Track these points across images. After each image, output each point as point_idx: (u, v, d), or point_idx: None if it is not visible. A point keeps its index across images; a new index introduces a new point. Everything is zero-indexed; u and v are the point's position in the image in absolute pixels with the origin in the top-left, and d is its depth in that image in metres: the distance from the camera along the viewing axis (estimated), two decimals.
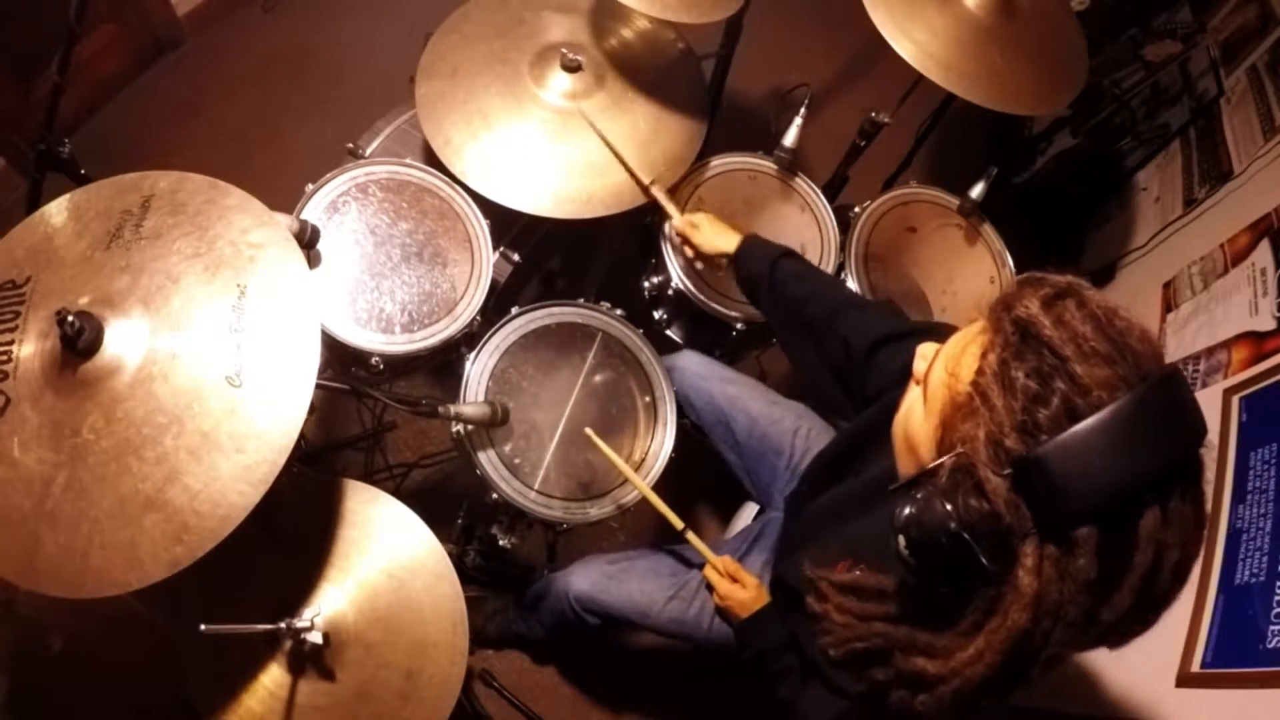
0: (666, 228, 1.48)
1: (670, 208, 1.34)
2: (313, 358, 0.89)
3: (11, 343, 0.90)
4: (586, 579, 1.29)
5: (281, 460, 0.84)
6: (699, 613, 1.23)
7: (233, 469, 0.83)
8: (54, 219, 0.97)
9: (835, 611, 0.78)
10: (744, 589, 1.14)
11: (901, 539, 0.63)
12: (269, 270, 0.92)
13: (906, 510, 0.63)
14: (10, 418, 0.87)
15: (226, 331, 0.88)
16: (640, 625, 1.26)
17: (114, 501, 0.83)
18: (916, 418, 0.69)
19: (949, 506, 0.59)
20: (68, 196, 0.99)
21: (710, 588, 1.19)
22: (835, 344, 1.10)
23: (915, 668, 0.66)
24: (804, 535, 1.06)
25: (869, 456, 1.00)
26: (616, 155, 1.37)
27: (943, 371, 0.66)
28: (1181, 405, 0.58)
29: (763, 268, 1.18)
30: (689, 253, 1.31)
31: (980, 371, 0.60)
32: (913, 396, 0.72)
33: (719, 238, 1.25)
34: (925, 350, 0.73)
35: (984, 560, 0.58)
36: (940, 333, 1.02)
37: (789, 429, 1.34)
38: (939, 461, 0.62)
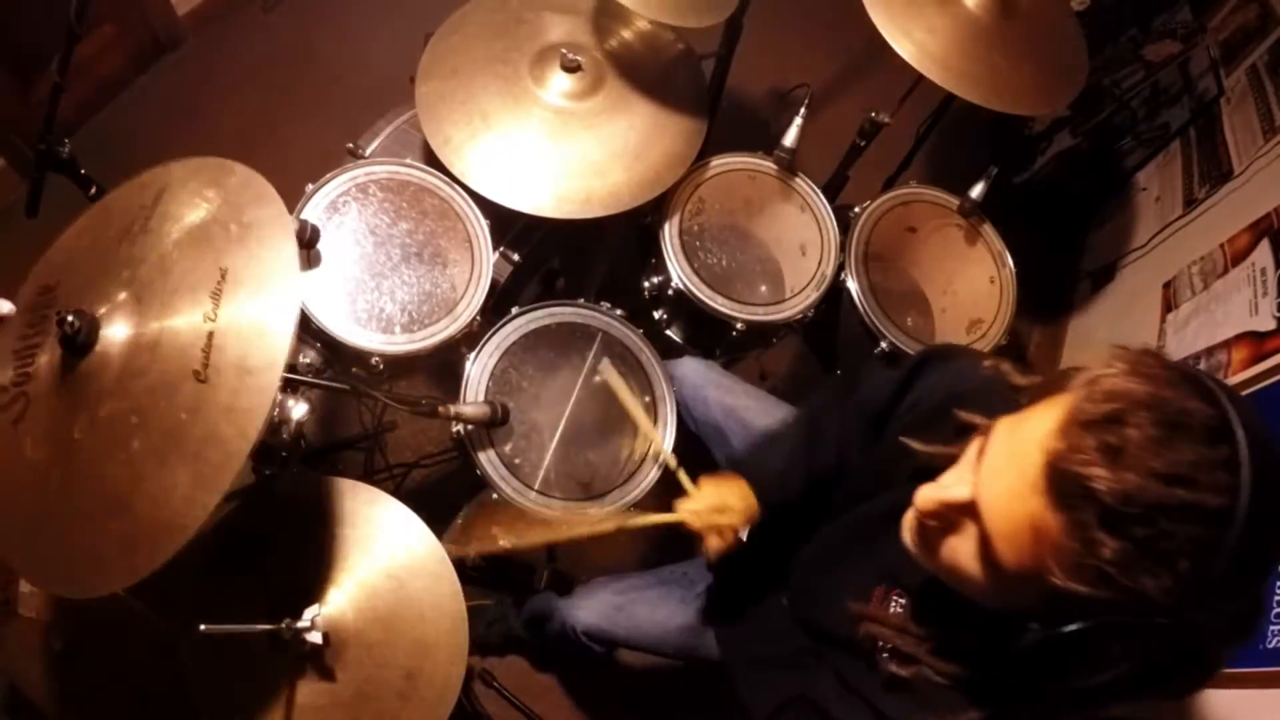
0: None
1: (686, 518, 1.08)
2: (281, 353, 0.82)
3: (38, 346, 0.91)
4: (593, 612, 1.27)
5: (239, 463, 0.79)
6: (712, 640, 1.22)
7: (199, 466, 0.80)
8: (88, 222, 0.98)
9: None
10: (728, 515, 1.04)
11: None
12: (251, 263, 0.87)
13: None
14: (28, 419, 0.88)
15: (201, 320, 0.84)
16: (650, 653, 1.25)
17: (102, 499, 0.82)
18: (990, 580, 0.64)
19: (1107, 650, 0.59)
20: (106, 197, 1.00)
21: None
22: (834, 457, 1.06)
23: None
24: (825, 556, 1.03)
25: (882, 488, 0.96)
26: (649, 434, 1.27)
27: (1022, 560, 0.60)
28: (1272, 441, 0.55)
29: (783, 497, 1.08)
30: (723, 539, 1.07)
31: (1092, 566, 0.55)
32: (960, 553, 0.66)
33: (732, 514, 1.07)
34: (928, 498, 0.68)
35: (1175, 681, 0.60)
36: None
37: None
38: (1073, 629, 0.58)
